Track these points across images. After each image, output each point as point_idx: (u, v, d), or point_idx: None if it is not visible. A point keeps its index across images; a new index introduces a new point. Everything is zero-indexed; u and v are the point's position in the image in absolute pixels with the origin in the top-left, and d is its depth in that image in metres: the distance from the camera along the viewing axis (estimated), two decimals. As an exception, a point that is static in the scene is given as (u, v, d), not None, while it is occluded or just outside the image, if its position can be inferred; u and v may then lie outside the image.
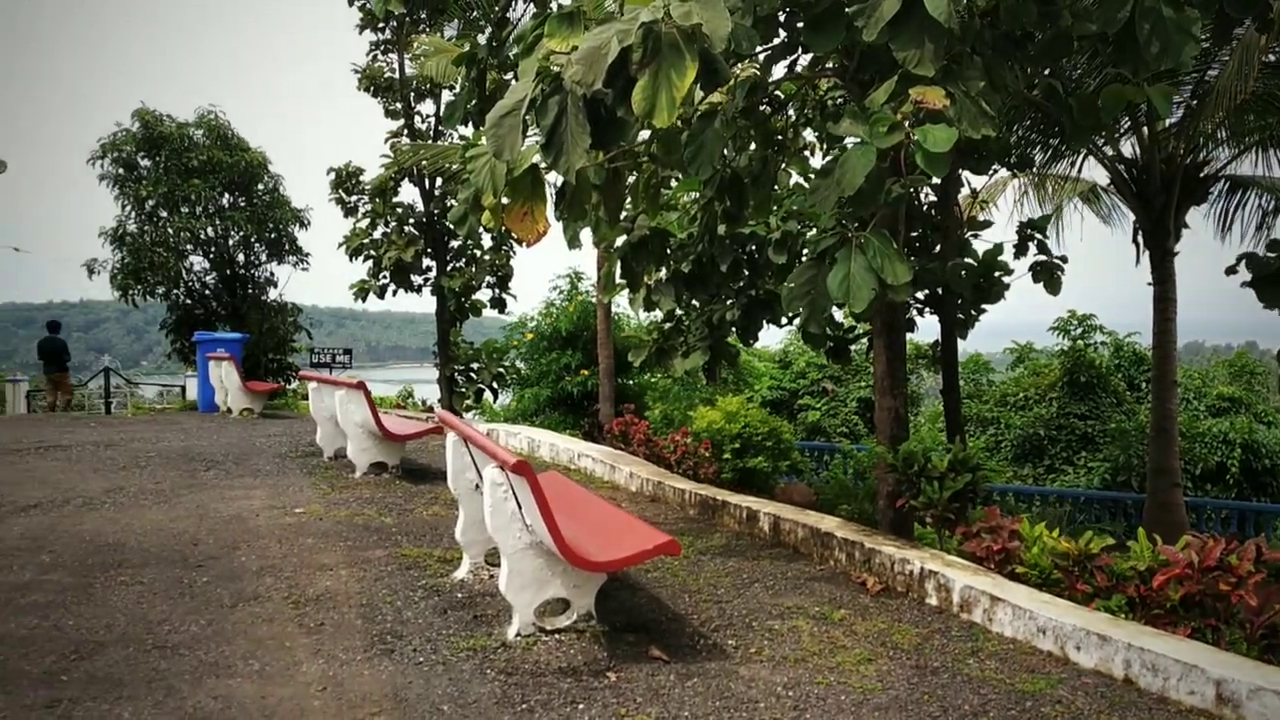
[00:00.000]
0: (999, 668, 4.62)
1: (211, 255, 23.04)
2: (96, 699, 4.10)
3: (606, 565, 4.87)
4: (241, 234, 22.79)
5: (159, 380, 27.30)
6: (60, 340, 20.26)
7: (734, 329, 9.93)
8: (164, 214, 21.91)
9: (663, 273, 9.54)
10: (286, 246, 23.42)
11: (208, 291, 23.23)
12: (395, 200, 20.13)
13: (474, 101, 7.93)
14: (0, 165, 37.04)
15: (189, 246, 22.37)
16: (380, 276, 19.77)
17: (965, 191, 10.45)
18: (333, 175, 20.34)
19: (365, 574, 6.08)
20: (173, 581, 5.83)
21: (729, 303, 9.86)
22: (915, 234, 9.54)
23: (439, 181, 19.37)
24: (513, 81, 6.67)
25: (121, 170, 21.94)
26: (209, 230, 22.42)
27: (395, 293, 19.87)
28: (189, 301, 22.86)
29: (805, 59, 7.56)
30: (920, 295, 9.51)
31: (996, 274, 9.06)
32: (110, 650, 4.66)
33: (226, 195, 22.73)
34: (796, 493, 10.02)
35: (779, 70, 7.71)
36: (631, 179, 7.96)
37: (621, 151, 6.83)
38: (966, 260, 9.07)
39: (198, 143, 22.16)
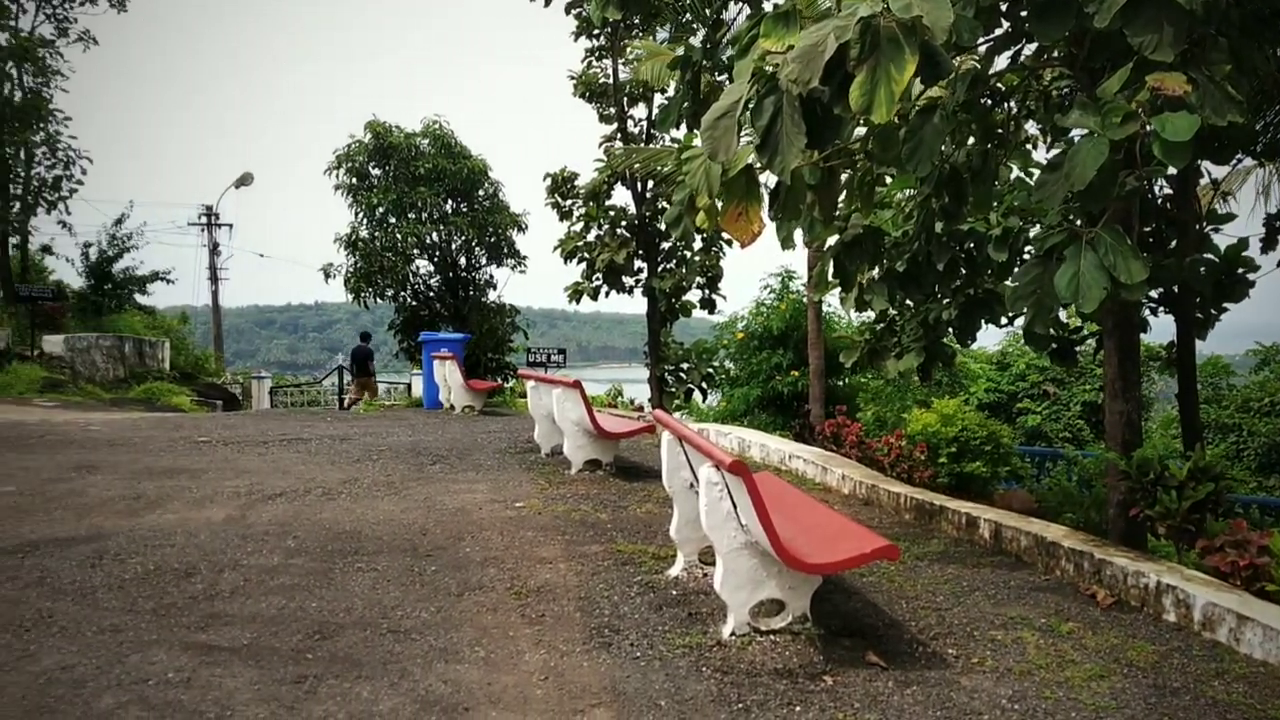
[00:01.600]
0: (1248, 691, 4.31)
1: (436, 259, 24.21)
2: (338, 677, 4.39)
3: (823, 568, 4.83)
4: (463, 238, 23.84)
5: (385, 379, 28.86)
6: (369, 348, 22.71)
7: (950, 329, 9.64)
8: (393, 220, 23.18)
9: (875, 272, 9.36)
10: (505, 250, 24.34)
11: (432, 294, 24.42)
12: (608, 203, 20.60)
13: (688, 104, 8.01)
14: (248, 178, 40.02)
15: (415, 251, 23.58)
16: (593, 278, 20.26)
17: (1204, 182, 9.78)
18: (548, 180, 21.00)
19: (583, 568, 6.25)
20: (404, 569, 6.16)
21: (945, 302, 9.57)
22: (1149, 229, 9.00)
23: (650, 184, 19.68)
24: (727, 83, 6.71)
25: (354, 180, 23.35)
26: (433, 235, 23.57)
27: (608, 294, 20.31)
28: (415, 303, 24.09)
29: (1030, 49, 7.27)
30: (1154, 294, 8.98)
31: (1240, 270, 8.45)
32: (349, 632, 4.98)
33: (450, 201, 23.83)
34: (1016, 499, 9.63)
35: (1001, 61, 7.45)
36: (845, 177, 7.86)
37: (837, 150, 6.76)
38: (1206, 256, 8.50)
39: (424, 152, 23.32)
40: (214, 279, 39.35)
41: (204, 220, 39.80)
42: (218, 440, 11.91)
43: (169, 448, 11.16)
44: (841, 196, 7.98)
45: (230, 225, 40.60)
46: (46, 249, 26.47)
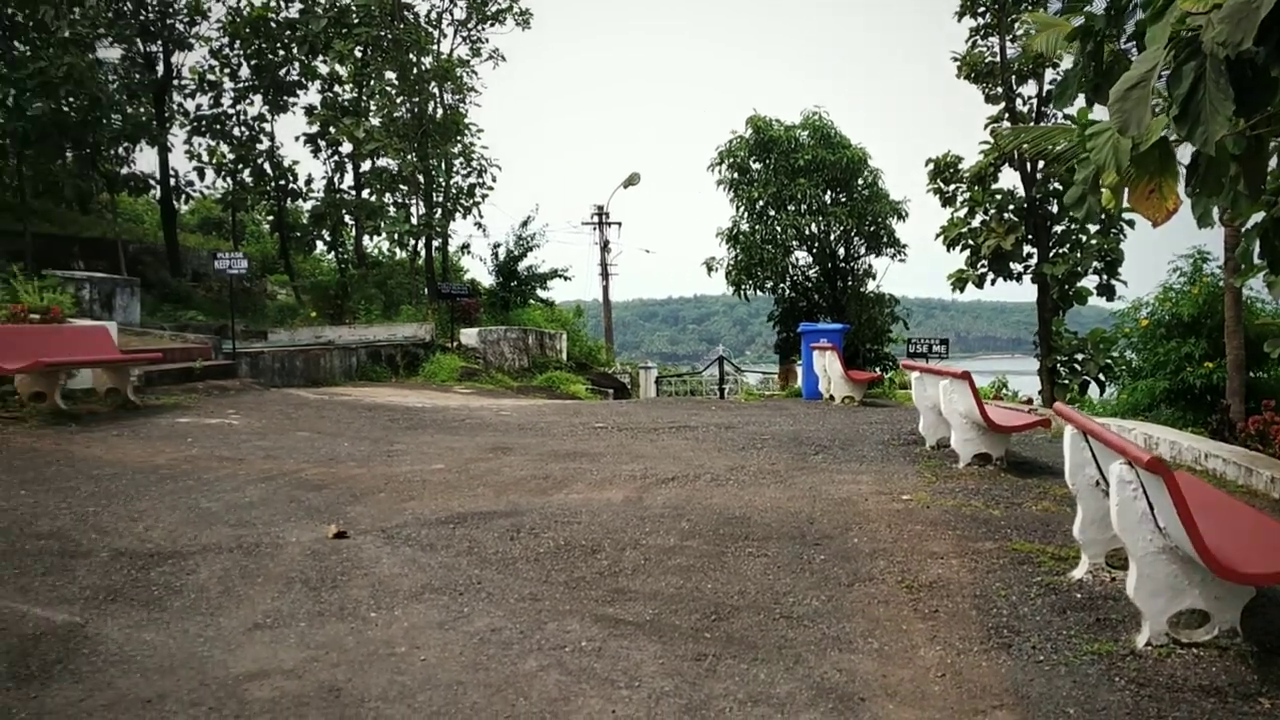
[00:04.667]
0: None
1: (814, 250, 24.31)
2: (735, 658, 4.51)
3: (1258, 578, 4.34)
4: (842, 229, 23.76)
5: (761, 368, 29.39)
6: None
7: None
8: (772, 213, 23.53)
9: (1315, 251, 8.26)
10: (884, 239, 23.99)
11: (810, 285, 24.55)
12: (994, 187, 19.72)
13: (1088, 77, 7.47)
14: (635, 177, 42.15)
15: (794, 243, 23.81)
16: (978, 265, 19.49)
17: None
18: (930, 165, 20.41)
19: (976, 565, 6.02)
20: (793, 556, 6.23)
21: (1407, 283, 8.27)
22: None
23: (1041, 165, 18.60)
24: (1135, 53, 6.18)
25: (735, 174, 23.93)
26: (812, 227, 23.67)
27: (994, 281, 19.46)
28: (793, 294, 24.32)
29: None
30: None
31: None
32: (743, 615, 5.10)
33: (828, 192, 23.83)
34: None
35: None
36: (1274, 144, 6.99)
37: (1267, 116, 6.03)
38: None
39: (803, 143, 23.48)
40: (604, 274, 41.91)
41: (595, 219, 42.46)
42: (612, 426, 12.65)
43: (570, 433, 12.01)
44: (1271, 166, 7.12)
45: (619, 224, 43.09)
46: (465, 248, 29.39)
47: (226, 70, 26.17)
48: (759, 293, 24.33)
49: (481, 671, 4.31)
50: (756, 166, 23.94)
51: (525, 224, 29.14)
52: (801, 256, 24.43)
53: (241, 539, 6.37)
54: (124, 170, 25.46)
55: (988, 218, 19.63)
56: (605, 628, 4.88)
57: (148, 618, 4.85)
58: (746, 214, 23.82)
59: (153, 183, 26.39)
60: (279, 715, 3.84)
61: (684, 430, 12.37)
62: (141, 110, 24.68)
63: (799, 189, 22.85)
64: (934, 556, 6.22)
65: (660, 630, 4.86)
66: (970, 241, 19.56)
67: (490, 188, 26.99)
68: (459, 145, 26.33)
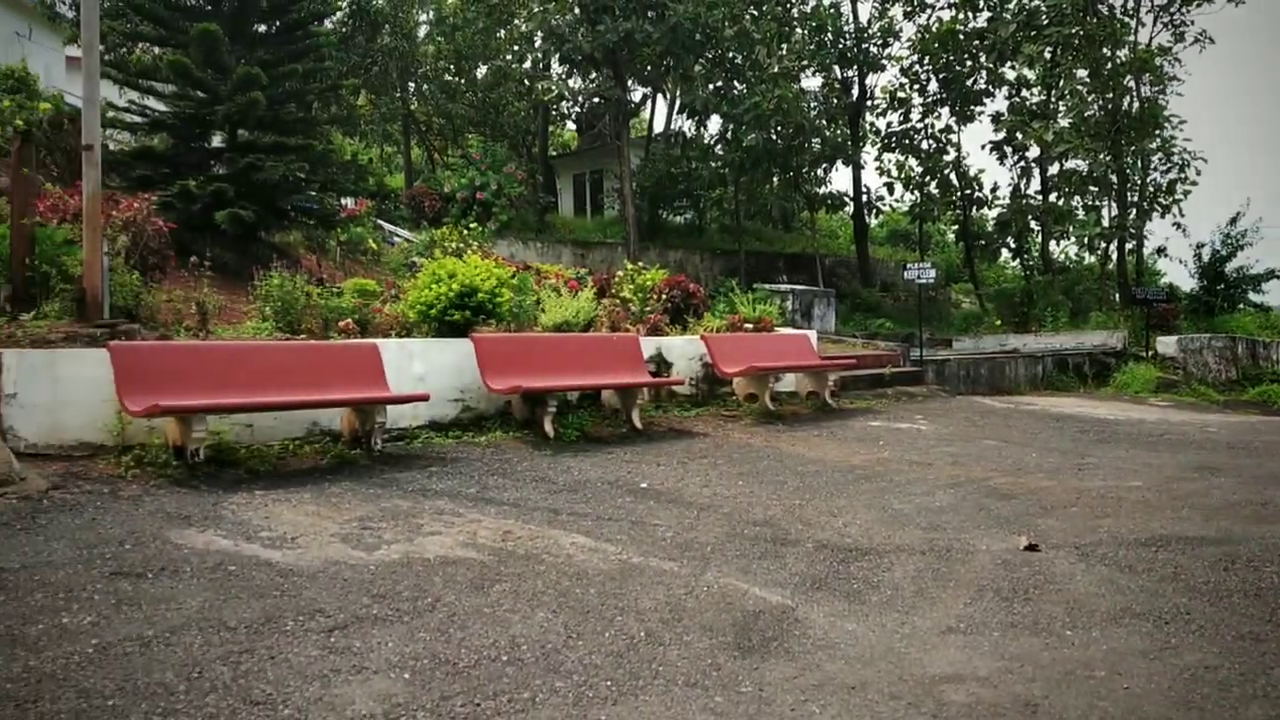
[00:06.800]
0: None
1: None
2: None
3: None
4: None
5: None
6: None
7: None
8: None
9: None
10: None
11: None
12: None
13: None
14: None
15: None
16: None
17: None
18: None
19: None
20: None
21: None
22: None
23: None
24: None
25: None
26: None
27: None
28: None
29: None
30: None
31: None
32: None
33: None
34: None
35: None
36: None
37: None
38: None
39: None
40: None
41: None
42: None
43: (1292, 454, 10.50)
44: None
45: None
46: (1161, 250, 27.12)
47: (915, 86, 27.10)
48: None
49: (1195, 711, 3.92)
50: None
51: (1234, 221, 26.03)
52: None
53: (932, 542, 6.52)
54: (821, 190, 27.61)
55: None
56: None
57: (848, 609, 5.17)
58: None
59: (846, 199, 28.25)
60: (975, 721, 3.86)
61: None
62: (837, 132, 26.53)
63: None
64: None
65: None
66: None
67: (1193, 184, 24.53)
68: (1156, 140, 24.34)
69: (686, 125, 29.83)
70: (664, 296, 14.32)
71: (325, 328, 10.44)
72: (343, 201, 18.54)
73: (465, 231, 17.38)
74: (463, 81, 30.45)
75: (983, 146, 27.33)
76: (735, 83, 24.75)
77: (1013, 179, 27.03)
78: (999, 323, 24.14)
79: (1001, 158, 26.76)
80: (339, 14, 24.47)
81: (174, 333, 9.66)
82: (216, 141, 15.51)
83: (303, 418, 9.01)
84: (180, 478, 7.37)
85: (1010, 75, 26.44)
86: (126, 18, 16.28)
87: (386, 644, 4.39)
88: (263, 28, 16.01)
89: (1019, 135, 25.11)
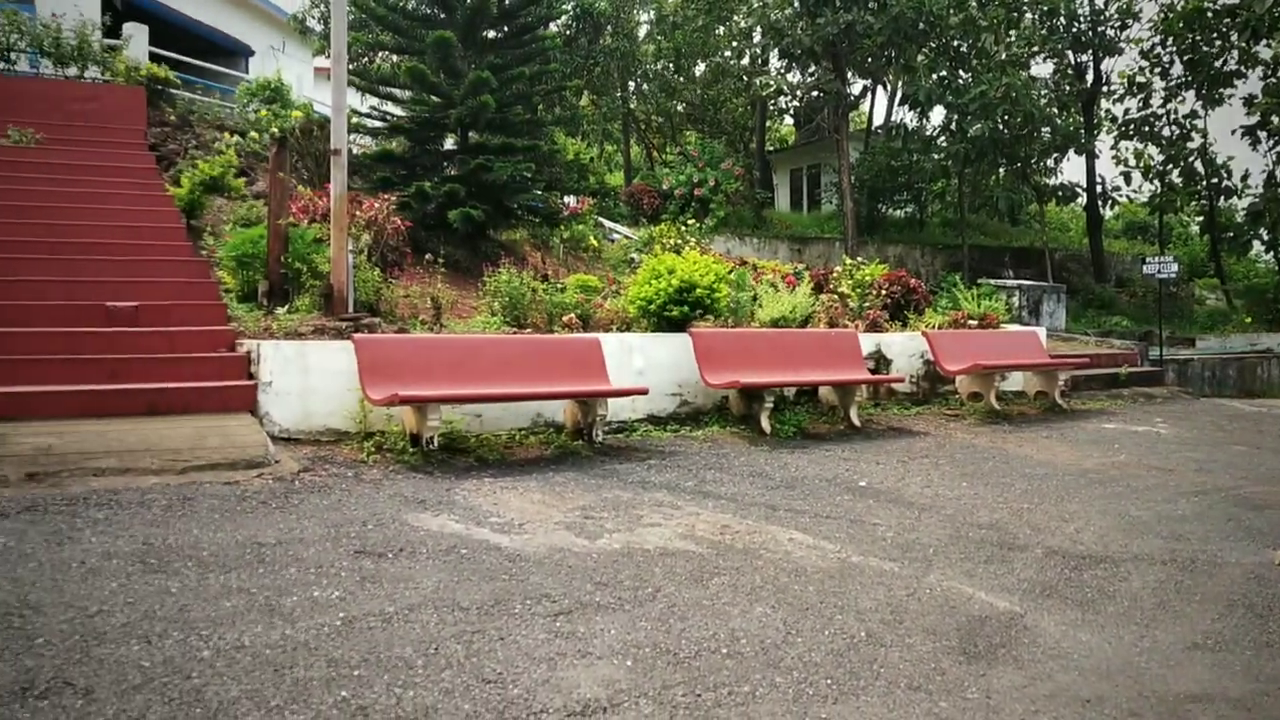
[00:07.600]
0: None
1: None
2: None
3: None
4: None
5: None
6: None
7: None
8: None
9: None
10: None
11: None
12: None
13: None
14: None
15: None
16: None
17: None
18: None
19: None
20: None
21: None
22: None
23: None
24: None
25: None
26: None
27: None
28: None
29: None
30: None
31: None
32: None
33: None
34: None
35: None
36: None
37: None
38: None
39: None
40: None
41: None
42: None
43: None
44: None
45: None
46: None
47: (1157, 70, 25.45)
48: None
49: None
50: None
51: None
52: None
53: (1175, 552, 6.18)
54: (1051, 181, 26.36)
55: None
56: None
57: (1081, 618, 4.97)
58: None
59: (1079, 190, 26.86)
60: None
61: None
62: (1069, 120, 25.26)
63: None
64: None
65: None
66: None
67: None
68: None
69: (908, 117, 29.16)
70: (883, 292, 14.07)
71: (549, 322, 10.83)
72: (565, 200, 19.10)
73: (683, 228, 17.60)
74: (681, 79, 30.81)
75: (1233, 131, 25.29)
76: (960, 72, 24.00)
77: (1267, 165, 24.97)
78: (1249, 320, 22.47)
79: (1254, 143, 24.77)
80: (563, 17, 25.17)
81: (410, 326, 10.25)
82: (449, 144, 16.35)
83: (528, 409, 9.39)
84: (416, 464, 7.84)
85: (1266, 54, 24.45)
86: (368, 28, 17.34)
87: (609, 631, 4.53)
88: (492, 33, 16.72)
89: (1275, 119, 23.23)
